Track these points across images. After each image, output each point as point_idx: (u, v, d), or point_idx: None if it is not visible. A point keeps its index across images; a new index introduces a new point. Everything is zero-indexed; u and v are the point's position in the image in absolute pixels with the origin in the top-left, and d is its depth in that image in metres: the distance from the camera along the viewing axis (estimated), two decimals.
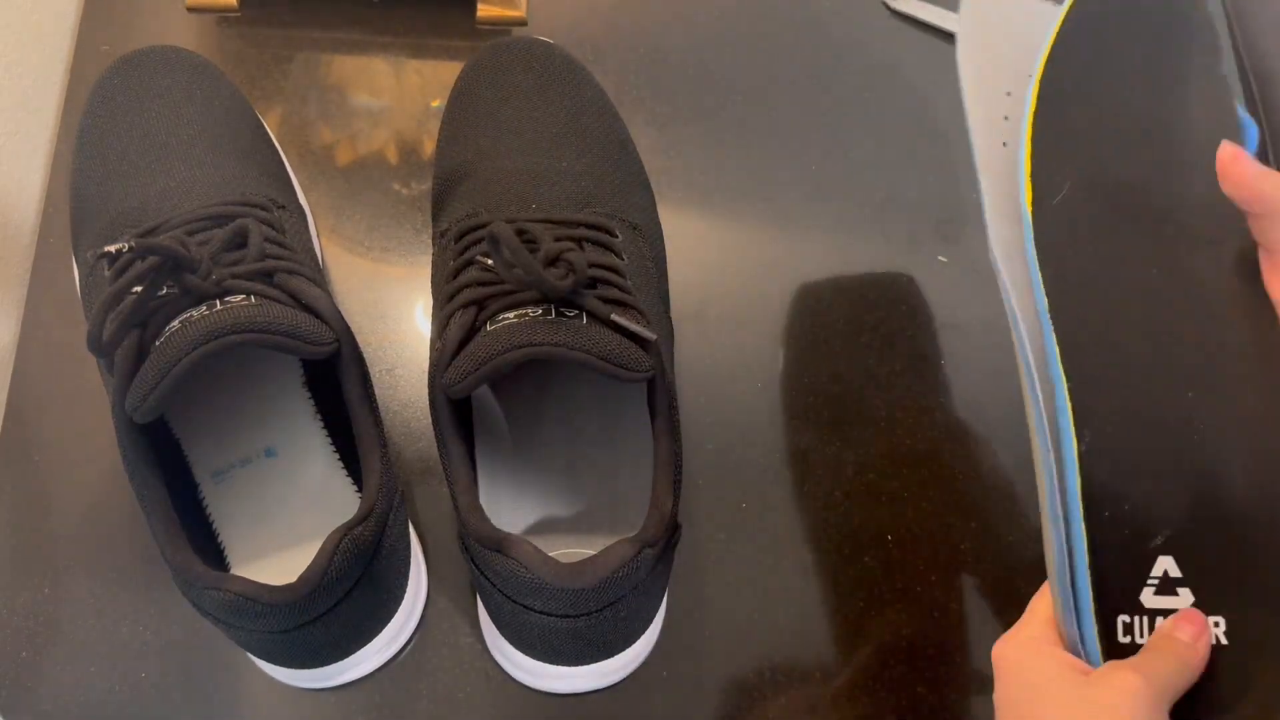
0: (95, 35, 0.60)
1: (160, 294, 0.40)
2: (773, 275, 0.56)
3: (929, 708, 0.48)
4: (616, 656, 0.45)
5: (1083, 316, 0.37)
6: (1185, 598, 0.35)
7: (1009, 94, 0.38)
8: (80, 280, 0.47)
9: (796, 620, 0.49)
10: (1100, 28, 0.38)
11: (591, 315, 0.41)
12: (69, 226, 0.50)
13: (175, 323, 0.39)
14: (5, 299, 0.53)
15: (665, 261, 0.50)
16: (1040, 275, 0.37)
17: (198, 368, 0.38)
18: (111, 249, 0.38)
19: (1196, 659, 0.35)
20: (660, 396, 0.42)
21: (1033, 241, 0.37)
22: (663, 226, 0.51)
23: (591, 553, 0.39)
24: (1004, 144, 0.38)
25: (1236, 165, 0.36)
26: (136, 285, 0.39)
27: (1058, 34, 0.38)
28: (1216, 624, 0.35)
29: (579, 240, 0.44)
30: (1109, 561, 0.35)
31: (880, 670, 0.48)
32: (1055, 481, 0.36)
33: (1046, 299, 0.37)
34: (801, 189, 0.58)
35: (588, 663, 0.45)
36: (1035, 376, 0.36)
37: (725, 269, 0.56)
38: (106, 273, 0.43)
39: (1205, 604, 0.35)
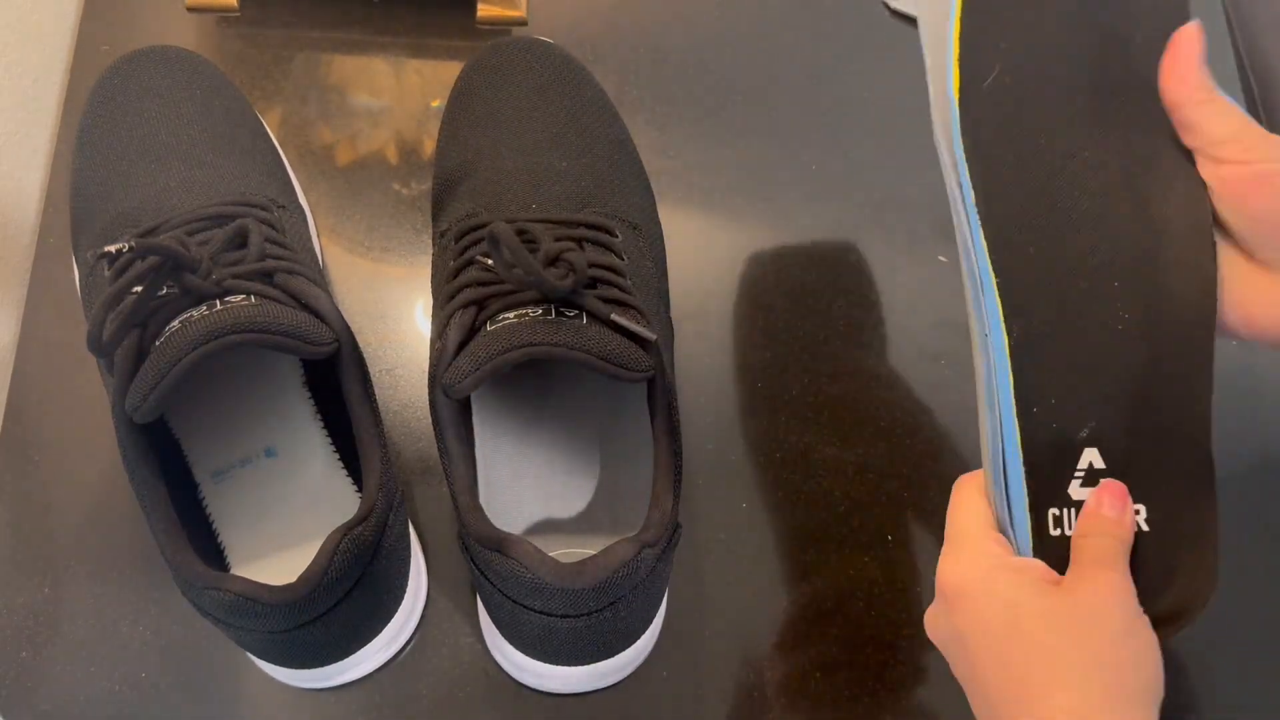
0: (95, 35, 0.60)
1: (160, 294, 0.40)
2: (773, 275, 0.56)
3: (930, 708, 0.48)
4: (616, 656, 0.45)
5: (1010, 209, 0.36)
6: None
7: None
8: (80, 280, 0.47)
9: (797, 620, 0.49)
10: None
11: (591, 315, 0.41)
12: (69, 226, 0.50)
13: (175, 323, 0.39)
14: (5, 299, 0.53)
15: (665, 261, 0.50)
16: (967, 166, 0.36)
17: (198, 368, 0.38)
18: (111, 249, 0.38)
19: (1128, 529, 0.34)
20: (660, 396, 0.42)
21: (959, 130, 0.36)
22: (663, 226, 0.51)
23: (591, 553, 0.39)
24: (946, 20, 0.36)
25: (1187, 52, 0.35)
26: (136, 285, 0.39)
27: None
28: (1138, 511, 0.35)
29: (579, 240, 0.44)
30: (1039, 457, 0.35)
31: (881, 670, 0.48)
32: (991, 378, 0.35)
33: (973, 191, 0.35)
34: (801, 189, 0.58)
35: (588, 663, 0.45)
36: (970, 268, 0.36)
37: (725, 269, 0.56)
38: (106, 273, 0.43)
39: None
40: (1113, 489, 0.35)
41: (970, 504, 0.37)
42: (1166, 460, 0.35)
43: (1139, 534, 0.35)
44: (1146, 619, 0.34)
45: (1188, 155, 0.36)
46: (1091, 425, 0.35)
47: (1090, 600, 0.33)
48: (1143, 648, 0.33)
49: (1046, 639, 0.32)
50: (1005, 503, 0.35)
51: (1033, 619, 0.33)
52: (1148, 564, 0.35)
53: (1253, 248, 0.35)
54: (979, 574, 0.35)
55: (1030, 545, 0.35)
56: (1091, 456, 0.35)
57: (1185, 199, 0.35)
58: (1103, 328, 0.35)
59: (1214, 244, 0.35)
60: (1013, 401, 0.35)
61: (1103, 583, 0.33)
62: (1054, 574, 0.35)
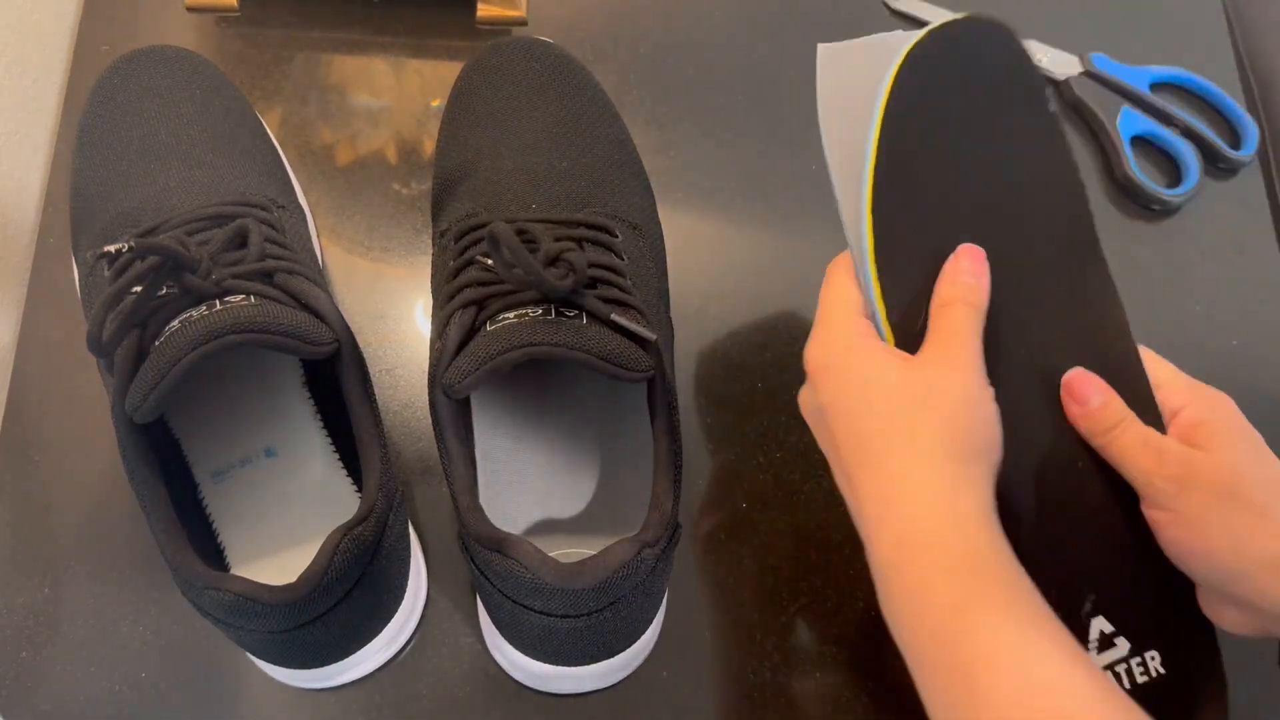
0: (95, 35, 0.60)
1: (160, 294, 0.40)
2: (773, 275, 0.56)
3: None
4: (616, 656, 0.45)
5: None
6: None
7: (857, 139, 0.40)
8: (80, 280, 0.47)
9: (796, 620, 0.49)
10: (932, 77, 0.40)
11: (591, 315, 0.41)
12: (69, 226, 0.50)
13: (175, 322, 0.39)
14: (5, 299, 0.53)
15: (665, 261, 0.50)
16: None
17: (198, 368, 0.38)
18: (111, 249, 0.38)
19: (984, 293, 0.37)
20: (660, 396, 0.42)
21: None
22: (663, 226, 0.51)
23: (591, 553, 0.39)
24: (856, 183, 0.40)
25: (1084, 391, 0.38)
26: (136, 285, 0.39)
27: (892, 85, 0.40)
28: (1153, 657, 0.38)
29: (579, 240, 0.44)
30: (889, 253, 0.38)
31: (882, 671, 0.48)
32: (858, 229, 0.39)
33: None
34: (801, 189, 0.58)
35: (587, 663, 0.44)
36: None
37: (725, 269, 0.56)
38: (106, 273, 0.43)
39: None
40: (972, 251, 0.37)
41: (840, 287, 0.39)
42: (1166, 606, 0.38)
43: (1156, 683, 0.37)
44: (990, 390, 0.36)
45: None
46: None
47: (936, 374, 0.35)
48: (981, 415, 0.35)
49: (893, 408, 0.35)
50: (870, 286, 0.38)
51: (882, 391, 0.35)
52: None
53: (1190, 571, 0.36)
54: (839, 352, 0.37)
55: (877, 297, 0.38)
56: None
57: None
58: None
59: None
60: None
61: (950, 358, 0.36)
62: (907, 356, 0.37)
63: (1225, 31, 0.65)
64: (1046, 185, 0.40)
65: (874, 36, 0.41)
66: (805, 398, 0.40)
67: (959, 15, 0.40)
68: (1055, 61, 0.62)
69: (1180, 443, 0.36)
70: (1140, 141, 0.60)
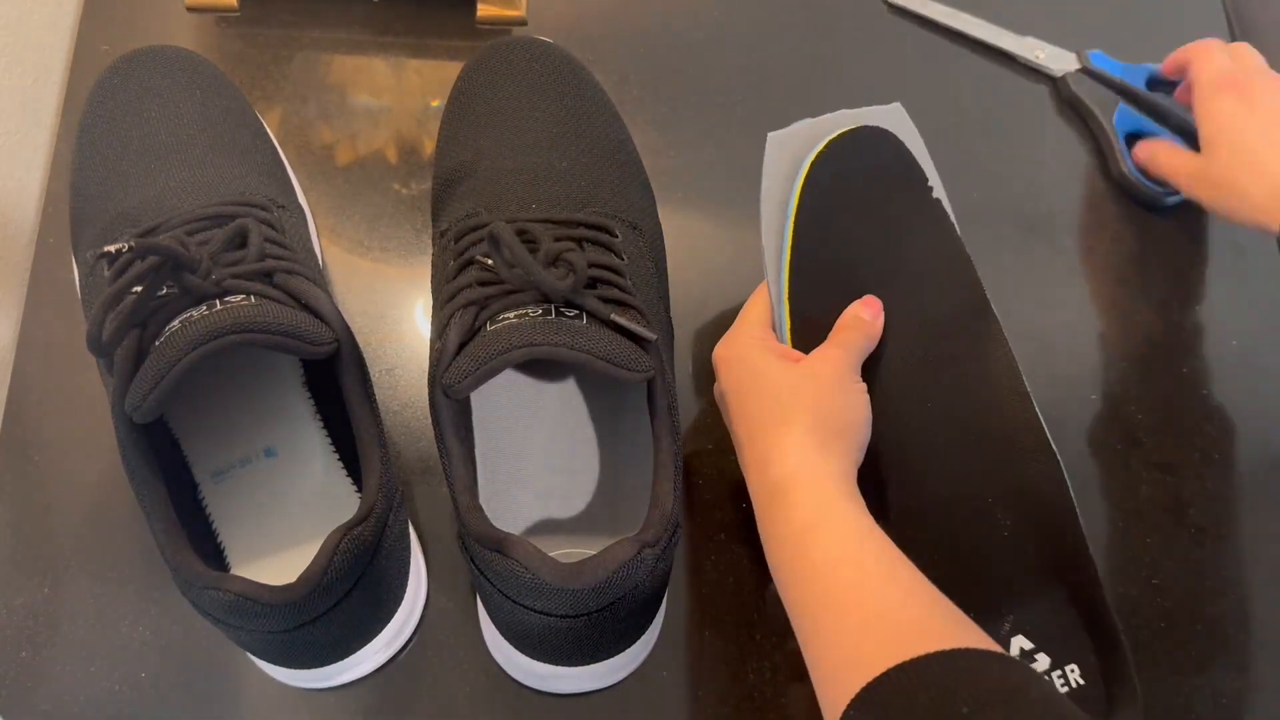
0: (95, 35, 0.60)
1: (160, 294, 0.40)
2: None
3: None
4: (616, 656, 0.45)
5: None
6: None
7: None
8: (80, 280, 0.47)
9: None
10: (834, 176, 0.47)
11: (591, 315, 0.41)
12: (69, 226, 0.50)
13: (175, 322, 0.39)
14: (5, 299, 0.53)
15: (665, 261, 0.50)
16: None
17: (198, 368, 0.38)
18: (111, 249, 0.38)
19: (875, 330, 0.45)
20: (660, 396, 0.42)
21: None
22: (663, 226, 0.51)
23: (591, 553, 0.39)
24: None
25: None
26: (136, 285, 0.39)
27: (803, 182, 0.47)
28: (1071, 669, 0.43)
29: (579, 240, 0.44)
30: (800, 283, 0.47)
31: None
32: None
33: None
34: None
35: (588, 663, 0.44)
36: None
37: (725, 269, 0.56)
38: (106, 273, 0.43)
39: None
40: (871, 300, 0.45)
41: (758, 303, 0.47)
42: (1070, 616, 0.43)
43: (1076, 694, 0.42)
44: (862, 384, 0.44)
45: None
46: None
47: (814, 366, 0.43)
48: (849, 400, 0.43)
49: (774, 394, 0.43)
50: (779, 307, 0.46)
51: (770, 380, 0.43)
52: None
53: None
54: (740, 349, 0.45)
55: (788, 337, 0.46)
56: None
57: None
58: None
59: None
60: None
61: (829, 356, 0.44)
62: (799, 354, 0.44)
63: (1225, 31, 0.65)
64: (935, 257, 0.46)
65: (810, 121, 0.47)
66: (716, 388, 0.47)
67: (854, 126, 0.47)
68: (1052, 58, 0.62)
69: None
70: (1136, 139, 0.60)
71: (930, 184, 0.47)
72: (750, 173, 0.59)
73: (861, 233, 0.47)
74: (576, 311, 0.41)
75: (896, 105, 0.48)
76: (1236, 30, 0.66)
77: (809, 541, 0.38)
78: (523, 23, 0.61)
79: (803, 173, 0.47)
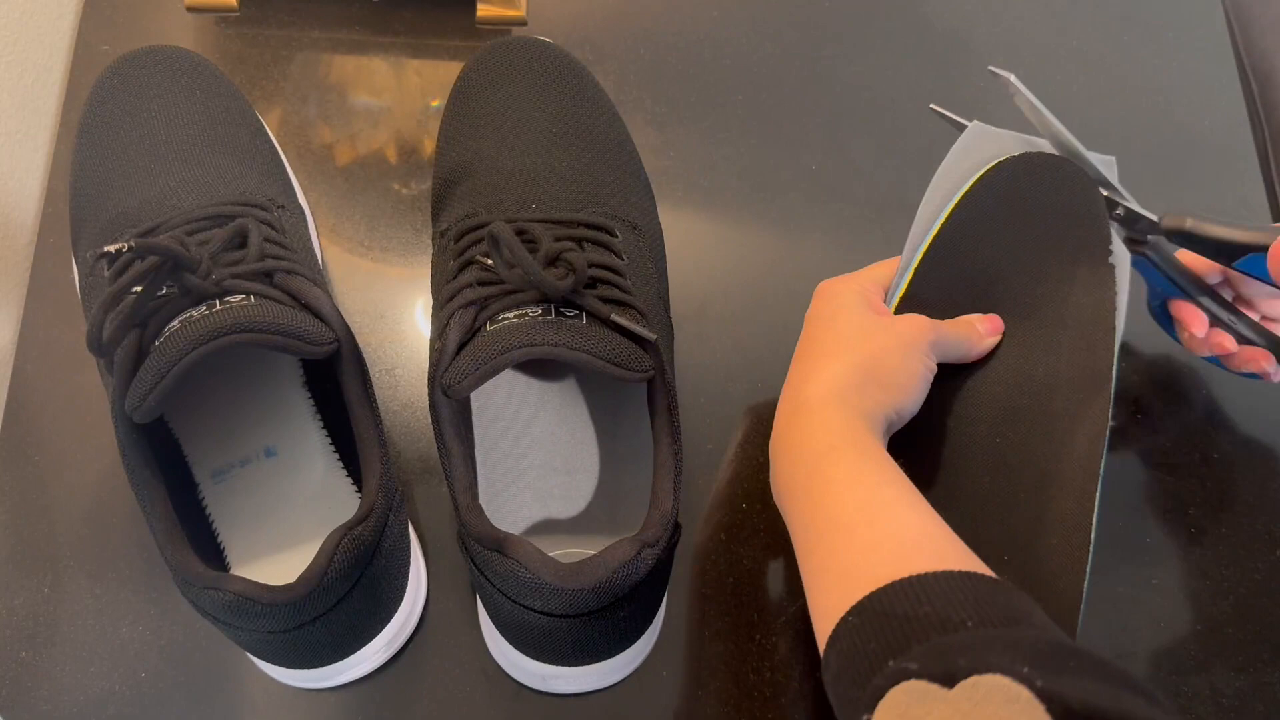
0: (95, 35, 0.60)
1: (160, 294, 0.40)
2: (773, 275, 0.56)
3: None
4: (616, 656, 0.45)
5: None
6: None
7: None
8: (80, 280, 0.47)
9: (797, 620, 0.49)
10: (1020, 187, 0.45)
11: (591, 315, 0.41)
12: (68, 226, 0.50)
13: (175, 322, 0.39)
14: (5, 299, 0.53)
15: (665, 261, 0.50)
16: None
17: (198, 368, 0.38)
18: (111, 249, 0.38)
19: (979, 345, 0.44)
20: (660, 396, 0.42)
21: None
22: (663, 226, 0.51)
23: (591, 553, 0.39)
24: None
25: None
26: (136, 285, 0.39)
27: (985, 174, 0.46)
28: None
29: (579, 240, 0.44)
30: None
31: None
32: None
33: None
34: (801, 189, 0.58)
35: (588, 663, 0.44)
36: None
37: (725, 269, 0.56)
38: (106, 273, 0.43)
39: None
40: (995, 323, 0.45)
41: (884, 265, 0.47)
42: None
43: None
44: (932, 364, 0.43)
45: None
46: None
47: (895, 323, 0.43)
48: (909, 366, 0.42)
49: (845, 330, 0.42)
50: (900, 276, 0.46)
51: (846, 317, 0.43)
52: None
53: None
54: (841, 287, 0.45)
55: (894, 306, 0.46)
56: None
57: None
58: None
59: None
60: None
61: (916, 321, 0.43)
62: (890, 314, 0.44)
63: (1225, 31, 0.65)
64: (1080, 317, 0.43)
65: (1022, 137, 0.46)
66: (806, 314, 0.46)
67: (1066, 156, 0.46)
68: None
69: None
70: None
71: (1111, 250, 0.44)
72: (751, 173, 0.59)
73: (1019, 254, 0.45)
74: (576, 311, 0.41)
75: (1111, 160, 0.47)
76: (1237, 30, 0.66)
77: (829, 460, 0.38)
78: (523, 23, 0.61)
79: (987, 167, 0.45)
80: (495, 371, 0.39)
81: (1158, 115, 0.62)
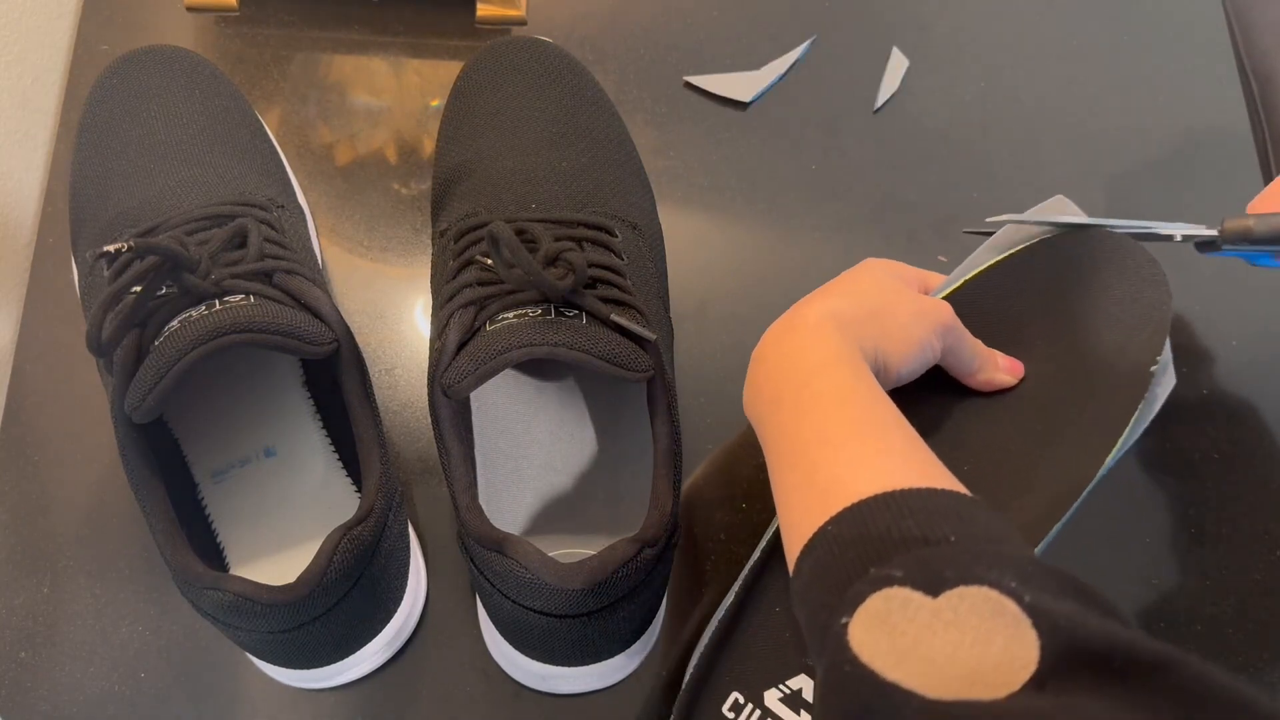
0: (95, 35, 0.60)
1: (159, 294, 0.40)
2: (773, 275, 0.56)
3: None
4: (616, 656, 0.45)
5: None
6: None
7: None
8: (79, 280, 0.47)
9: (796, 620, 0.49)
10: (1084, 260, 0.46)
11: (591, 315, 0.41)
12: (68, 226, 0.50)
13: (174, 322, 0.39)
14: (5, 299, 0.53)
15: (665, 261, 0.50)
16: None
17: (197, 368, 0.38)
18: (110, 249, 0.38)
19: (990, 373, 0.44)
20: (660, 396, 0.42)
21: None
22: (663, 226, 0.51)
23: (591, 553, 0.39)
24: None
25: None
26: (136, 285, 0.39)
27: (1044, 243, 0.46)
28: None
29: (579, 240, 0.44)
30: None
31: None
32: None
33: None
34: (801, 189, 0.58)
35: (588, 663, 0.44)
36: None
37: (725, 269, 0.56)
38: (106, 272, 0.43)
39: None
40: (1016, 368, 0.45)
41: (933, 273, 0.47)
42: None
43: None
44: (938, 345, 0.42)
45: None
46: None
47: (916, 295, 0.42)
48: (916, 334, 0.41)
49: (861, 283, 0.42)
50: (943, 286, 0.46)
51: (866, 275, 0.43)
52: None
53: None
54: (884, 262, 0.44)
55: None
56: None
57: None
58: None
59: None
60: None
61: (940, 303, 0.42)
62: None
63: (1225, 31, 0.65)
64: (1109, 398, 0.43)
65: (1112, 222, 0.46)
66: None
67: (1133, 240, 0.46)
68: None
69: None
70: None
71: (1159, 361, 0.43)
72: (751, 173, 0.59)
73: (1065, 321, 0.45)
74: (576, 311, 0.41)
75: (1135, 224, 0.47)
76: (1237, 30, 0.66)
77: (820, 376, 0.37)
78: (522, 23, 0.61)
79: (1048, 232, 0.46)
80: (495, 371, 0.39)
81: (1158, 115, 0.62)
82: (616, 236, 0.45)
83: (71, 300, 0.53)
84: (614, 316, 0.40)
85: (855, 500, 0.32)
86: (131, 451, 0.40)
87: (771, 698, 0.42)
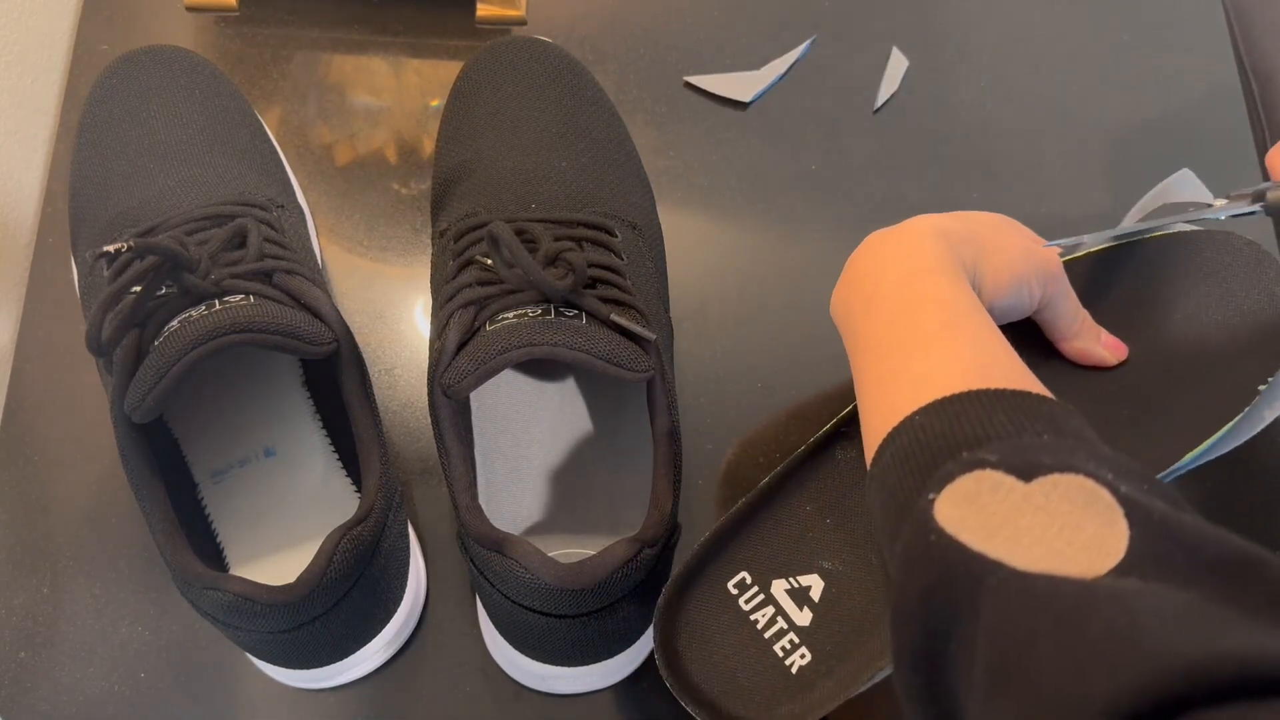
0: (95, 35, 0.60)
1: (159, 294, 0.40)
2: (773, 275, 0.56)
3: None
4: (616, 656, 0.45)
5: None
6: None
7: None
8: (79, 280, 0.47)
9: None
10: (1206, 262, 0.45)
11: (591, 315, 0.41)
12: (68, 226, 0.50)
13: (174, 322, 0.39)
14: (4, 299, 0.53)
15: (665, 261, 0.50)
16: None
17: (197, 368, 0.38)
18: (110, 249, 0.38)
19: (1088, 342, 0.44)
20: (660, 396, 0.42)
21: None
22: (663, 226, 0.51)
23: (591, 553, 0.39)
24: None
25: None
26: (135, 285, 0.39)
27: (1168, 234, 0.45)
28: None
29: (578, 240, 0.44)
30: None
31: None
32: None
33: None
34: (801, 189, 0.58)
35: (587, 663, 0.44)
36: None
37: (725, 269, 0.56)
38: (105, 272, 0.43)
39: None
40: (1119, 348, 0.44)
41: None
42: None
43: None
44: (1036, 291, 0.41)
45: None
46: None
47: (1030, 238, 0.42)
48: (1018, 268, 0.41)
49: (972, 214, 0.42)
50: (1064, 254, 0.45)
51: (981, 213, 0.43)
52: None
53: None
54: (1008, 218, 0.44)
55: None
56: None
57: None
58: None
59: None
60: None
61: (1052, 254, 0.42)
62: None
63: (1225, 31, 0.65)
64: (1210, 393, 0.43)
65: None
66: None
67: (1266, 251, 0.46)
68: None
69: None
70: None
71: (1270, 381, 0.43)
72: (751, 173, 0.59)
73: (1175, 313, 0.45)
74: (576, 311, 0.41)
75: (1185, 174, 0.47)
76: (1237, 30, 0.66)
77: (922, 279, 0.37)
78: (522, 23, 0.61)
79: (1190, 226, 0.45)
80: (495, 371, 0.39)
81: (1158, 115, 0.62)
82: (616, 236, 0.45)
83: (71, 300, 0.53)
84: (614, 316, 0.40)
85: (948, 394, 0.32)
86: (131, 451, 0.40)
87: (779, 587, 0.42)
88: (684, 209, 0.57)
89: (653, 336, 0.41)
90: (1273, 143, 0.63)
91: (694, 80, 0.60)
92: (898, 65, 0.61)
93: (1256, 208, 0.45)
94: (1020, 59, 0.63)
